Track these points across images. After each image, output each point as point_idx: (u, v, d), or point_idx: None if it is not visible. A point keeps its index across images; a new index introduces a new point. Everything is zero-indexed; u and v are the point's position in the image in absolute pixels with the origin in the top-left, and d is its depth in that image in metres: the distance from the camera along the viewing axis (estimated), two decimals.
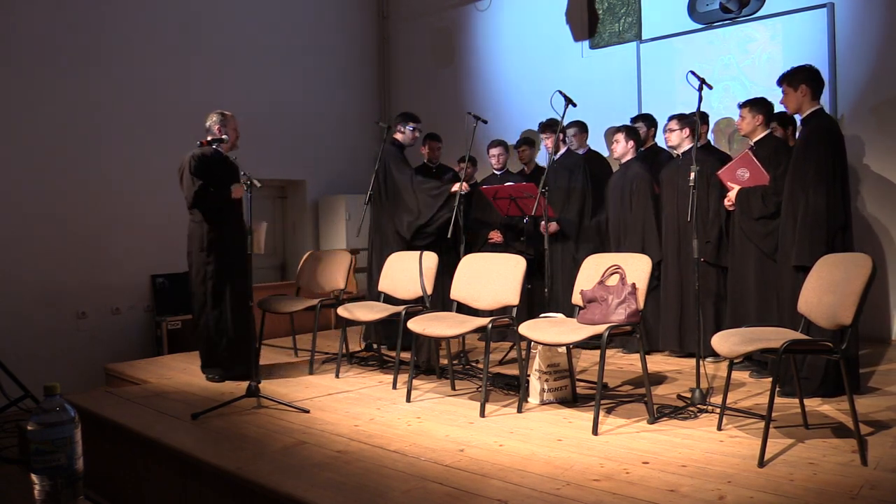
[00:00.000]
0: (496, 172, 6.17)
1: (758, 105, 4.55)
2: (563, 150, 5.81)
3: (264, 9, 7.55)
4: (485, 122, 5.31)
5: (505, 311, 4.06)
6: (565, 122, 5.12)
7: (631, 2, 6.78)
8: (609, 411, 3.73)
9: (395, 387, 4.42)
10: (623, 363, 4.97)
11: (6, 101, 5.77)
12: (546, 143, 5.91)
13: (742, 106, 4.62)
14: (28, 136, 5.86)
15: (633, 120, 5.91)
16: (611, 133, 6.32)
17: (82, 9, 6.25)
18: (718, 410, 3.44)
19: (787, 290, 3.87)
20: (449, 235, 4.88)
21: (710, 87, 4.01)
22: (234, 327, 4.58)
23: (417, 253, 4.81)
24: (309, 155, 5.87)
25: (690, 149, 4.62)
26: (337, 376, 4.81)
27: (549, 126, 5.83)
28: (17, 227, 5.71)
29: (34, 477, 1.61)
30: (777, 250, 4.17)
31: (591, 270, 3.92)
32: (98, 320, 6.18)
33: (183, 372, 4.99)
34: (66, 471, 1.60)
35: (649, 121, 5.78)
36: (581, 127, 5.91)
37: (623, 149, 5.37)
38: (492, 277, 4.22)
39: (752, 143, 4.60)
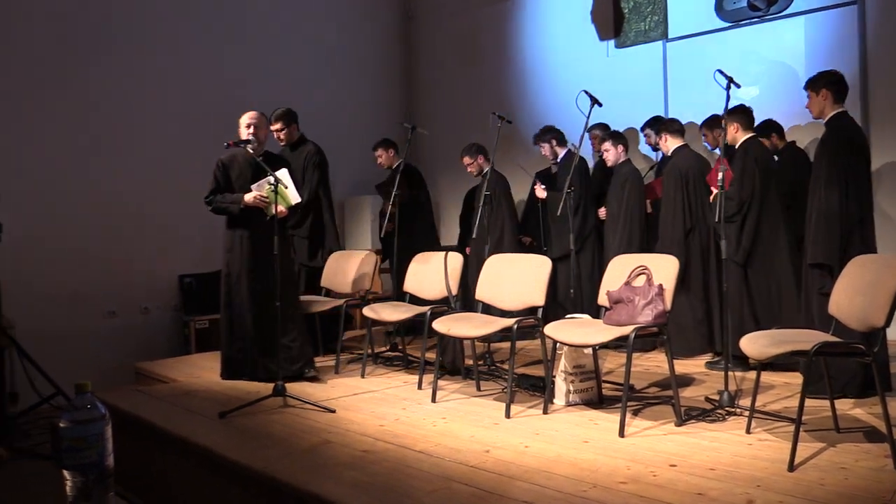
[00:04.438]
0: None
1: (733, 114, 4.58)
2: (562, 152, 5.99)
3: (289, 11, 7.59)
4: (509, 121, 5.30)
5: (530, 311, 4.05)
6: (591, 122, 5.11)
7: (657, 0, 6.72)
8: (636, 413, 3.70)
9: (420, 387, 4.42)
10: (650, 364, 4.93)
11: (35, 101, 5.85)
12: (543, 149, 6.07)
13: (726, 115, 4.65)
14: (58, 135, 5.94)
15: (643, 127, 5.98)
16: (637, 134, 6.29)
17: (112, 6, 6.33)
18: (747, 413, 3.40)
19: (809, 290, 3.88)
20: (474, 236, 4.88)
21: (737, 86, 3.98)
22: (254, 328, 4.60)
23: (443, 253, 4.81)
24: (334, 155, 5.91)
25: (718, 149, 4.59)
26: (362, 376, 4.83)
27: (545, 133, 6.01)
28: (48, 227, 5.80)
29: (66, 473, 1.63)
30: (736, 254, 4.41)
31: (618, 271, 3.89)
32: (127, 319, 6.26)
33: (210, 371, 5.03)
34: (96, 467, 1.62)
35: (657, 124, 5.75)
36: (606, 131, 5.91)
37: (615, 155, 5.54)
38: (517, 278, 4.20)
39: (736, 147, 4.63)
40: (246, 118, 4.62)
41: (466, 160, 5.94)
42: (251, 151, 4.46)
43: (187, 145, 6.51)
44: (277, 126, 5.24)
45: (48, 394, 4.67)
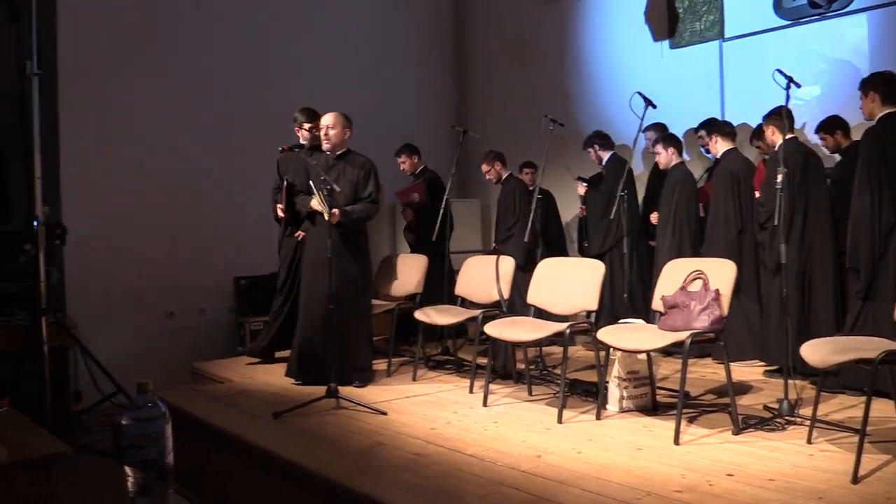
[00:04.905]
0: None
1: (770, 117, 4.59)
2: (606, 156, 5.98)
3: (340, 16, 7.65)
4: (561, 124, 5.27)
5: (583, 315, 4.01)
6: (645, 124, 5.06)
7: None
8: (691, 421, 3.63)
9: (471, 391, 4.42)
10: (705, 371, 4.83)
11: (99, 110, 6.03)
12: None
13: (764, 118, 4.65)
14: (117, 140, 6.10)
15: (697, 128, 5.89)
16: (691, 135, 6.18)
17: (184, 12, 6.51)
18: (808, 423, 3.30)
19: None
20: (525, 239, 4.86)
21: (798, 86, 3.89)
22: (319, 329, 4.63)
23: (494, 257, 4.81)
24: (384, 159, 5.95)
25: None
26: (414, 379, 4.84)
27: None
28: (110, 231, 5.97)
29: (127, 470, 1.67)
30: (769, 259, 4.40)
31: (673, 275, 3.83)
32: (185, 320, 6.41)
33: (264, 372, 5.12)
34: (157, 464, 1.65)
35: (709, 126, 5.65)
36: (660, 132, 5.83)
37: (666, 158, 5.48)
38: (569, 282, 4.17)
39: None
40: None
41: (484, 167, 5.94)
42: (328, 153, 4.64)
43: (239, 150, 6.63)
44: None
45: (109, 392, 4.82)
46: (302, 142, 5.11)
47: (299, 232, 5.00)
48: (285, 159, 5.24)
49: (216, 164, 6.62)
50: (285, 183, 5.03)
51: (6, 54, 5.81)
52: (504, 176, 5.82)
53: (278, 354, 5.31)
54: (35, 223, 4.56)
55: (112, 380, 4.82)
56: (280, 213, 5.09)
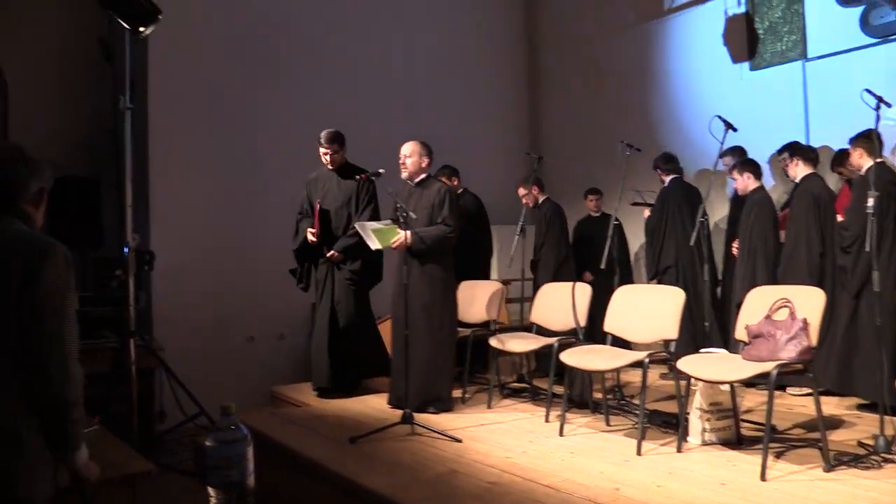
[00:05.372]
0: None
1: (858, 139, 4.48)
2: (668, 179, 5.90)
3: (413, 41, 7.77)
4: (638, 150, 5.19)
5: (662, 345, 3.91)
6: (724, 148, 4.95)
7: (795, 19, 6.41)
8: (778, 456, 3.48)
9: (547, 420, 4.36)
10: (794, 403, 4.63)
11: (183, 138, 6.28)
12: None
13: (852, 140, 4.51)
14: (203, 170, 6.34)
15: (779, 151, 5.69)
16: (775, 159, 6.01)
17: (268, 46, 6.76)
18: None
19: None
20: (603, 266, 4.79)
21: (888, 105, 3.74)
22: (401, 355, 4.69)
23: (570, 284, 4.75)
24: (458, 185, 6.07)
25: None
26: (489, 407, 4.80)
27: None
28: (195, 257, 6.18)
29: (211, 490, 1.71)
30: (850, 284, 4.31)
31: (757, 304, 3.69)
32: (265, 344, 6.55)
33: (340, 396, 5.17)
34: (238, 486, 1.69)
35: (791, 149, 5.47)
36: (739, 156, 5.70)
37: (742, 184, 5.37)
38: (648, 310, 4.08)
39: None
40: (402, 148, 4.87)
41: (521, 191, 6.03)
42: (408, 181, 4.84)
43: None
44: (332, 149, 5.20)
45: (192, 413, 4.95)
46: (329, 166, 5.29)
47: (332, 252, 5.11)
48: (314, 181, 5.35)
49: (298, 192, 6.76)
50: (317, 206, 5.15)
51: (102, 91, 6.18)
52: (541, 200, 6.05)
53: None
54: (125, 249, 4.76)
55: (195, 401, 4.96)
56: (311, 238, 5.14)
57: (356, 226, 4.81)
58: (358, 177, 4.89)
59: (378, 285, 5.41)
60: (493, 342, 4.81)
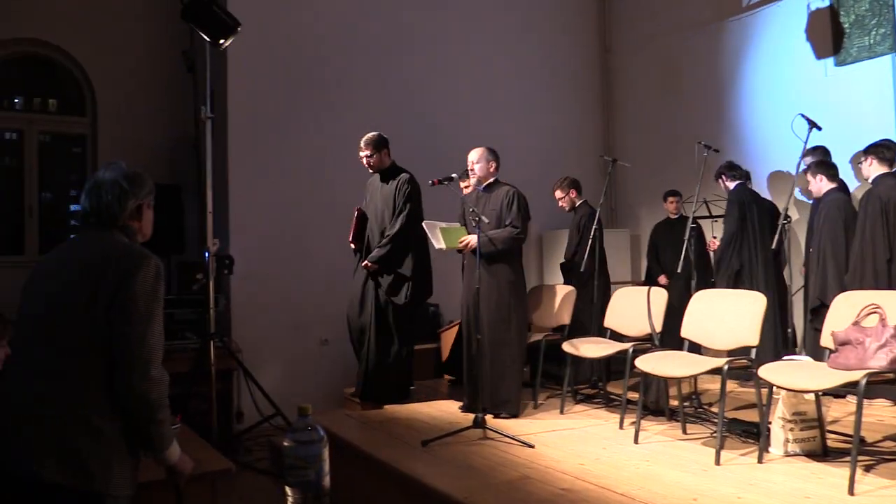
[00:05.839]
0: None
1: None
2: (733, 185, 5.73)
3: (485, 46, 7.76)
4: (716, 150, 5.06)
5: (742, 351, 3.79)
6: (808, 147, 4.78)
7: (884, 11, 6.13)
8: (868, 469, 3.32)
9: (621, 427, 4.28)
10: (884, 415, 4.41)
11: (261, 146, 6.44)
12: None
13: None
14: (281, 177, 6.47)
15: (864, 150, 5.44)
16: (856, 158, 5.76)
17: (344, 57, 6.89)
18: None
19: None
20: (679, 270, 4.69)
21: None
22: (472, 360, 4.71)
23: (645, 288, 4.67)
24: (531, 190, 5.95)
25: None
26: (561, 412, 4.76)
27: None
28: (271, 261, 6.32)
29: (288, 489, 1.75)
30: None
31: (844, 309, 3.54)
32: (339, 347, 6.62)
33: (415, 398, 5.22)
34: (315, 486, 1.72)
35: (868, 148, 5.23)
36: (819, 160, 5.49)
37: (815, 186, 5.21)
38: (728, 315, 3.97)
39: None
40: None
41: (558, 193, 5.94)
42: (476, 186, 4.85)
43: None
44: (367, 152, 5.18)
45: (268, 414, 5.08)
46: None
47: (366, 262, 5.05)
48: (369, 185, 5.36)
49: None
50: (356, 212, 5.20)
51: (185, 102, 6.42)
52: (578, 203, 5.94)
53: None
54: (206, 254, 4.93)
55: (271, 402, 5.08)
56: (351, 245, 5.20)
57: (424, 224, 4.82)
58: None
59: (446, 289, 5.43)
60: (566, 347, 4.77)
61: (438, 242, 4.68)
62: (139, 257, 2.01)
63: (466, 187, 5.69)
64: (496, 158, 4.86)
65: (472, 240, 4.52)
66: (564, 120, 8.27)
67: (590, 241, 5.31)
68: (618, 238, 7.58)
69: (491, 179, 4.86)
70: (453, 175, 4.95)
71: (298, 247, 6.46)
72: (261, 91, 6.46)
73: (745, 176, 5.88)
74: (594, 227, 5.34)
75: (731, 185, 5.74)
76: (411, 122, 7.10)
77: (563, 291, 5.32)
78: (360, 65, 7.01)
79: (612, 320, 4.88)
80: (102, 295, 1.93)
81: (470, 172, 4.86)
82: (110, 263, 1.97)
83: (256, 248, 6.23)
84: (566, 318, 5.18)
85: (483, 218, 4.41)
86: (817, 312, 4.82)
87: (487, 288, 4.58)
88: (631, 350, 4.28)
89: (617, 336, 4.81)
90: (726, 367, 3.60)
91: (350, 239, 5.26)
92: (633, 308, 4.71)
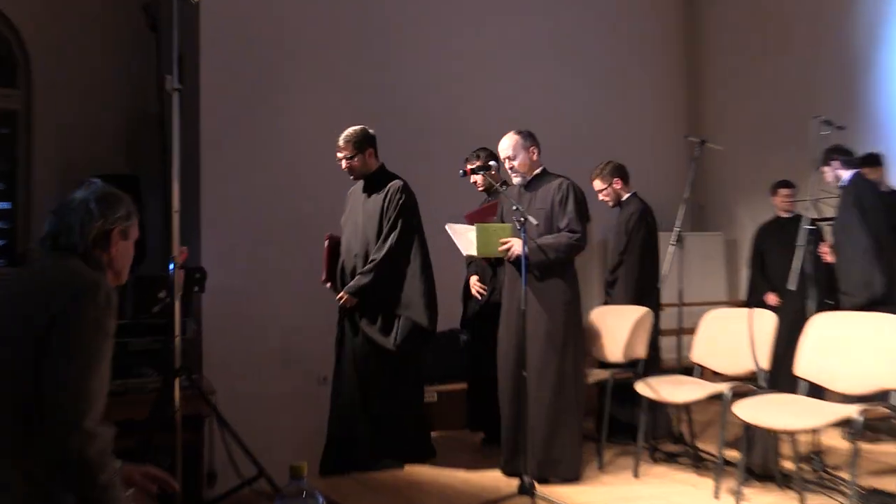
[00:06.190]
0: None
1: None
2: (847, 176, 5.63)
3: (558, 24, 7.79)
4: (840, 127, 4.98)
5: (880, 396, 3.70)
6: None
7: None
8: None
9: (716, 496, 4.22)
10: None
11: (244, 129, 6.43)
12: None
13: None
14: (269, 170, 6.47)
15: None
16: None
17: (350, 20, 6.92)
18: None
19: None
20: (793, 287, 4.58)
21: None
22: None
23: (747, 311, 4.58)
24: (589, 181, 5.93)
25: None
26: (635, 475, 4.72)
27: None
28: (258, 278, 6.31)
29: None
30: None
31: None
32: None
33: (440, 456, 5.14)
34: None
35: None
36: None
37: None
38: (860, 348, 3.85)
39: None
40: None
41: (598, 185, 5.77)
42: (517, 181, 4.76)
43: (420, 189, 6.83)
44: (346, 153, 4.98)
45: (250, 476, 5.00)
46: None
47: (342, 294, 4.91)
48: (350, 197, 5.25)
49: None
50: (327, 240, 5.10)
51: (146, 69, 6.41)
52: (625, 197, 5.77)
53: None
54: (170, 266, 4.88)
55: (253, 460, 4.99)
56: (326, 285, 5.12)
57: (448, 227, 4.71)
58: (462, 172, 4.84)
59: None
60: (641, 388, 4.71)
61: (468, 248, 4.59)
62: (85, 282, 2.08)
63: (475, 184, 5.67)
64: (535, 142, 4.78)
65: (517, 244, 4.43)
66: (635, 90, 8.25)
67: (639, 246, 5.27)
68: (708, 244, 7.50)
69: (537, 170, 4.79)
70: (491, 163, 4.87)
71: (291, 256, 6.42)
72: (241, 55, 6.48)
73: (867, 161, 5.77)
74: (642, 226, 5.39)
75: (845, 174, 5.61)
76: (428, 96, 7.06)
77: (637, 314, 5.22)
78: (365, 20, 6.97)
79: (702, 353, 4.81)
80: (37, 327, 2.00)
81: (510, 172, 4.78)
82: (50, 291, 2.07)
83: (236, 257, 6.22)
84: (641, 350, 5.09)
85: (530, 218, 4.33)
86: None
87: (535, 311, 4.52)
88: (729, 393, 4.21)
89: (706, 373, 4.76)
90: (860, 417, 3.50)
91: (323, 278, 5.15)
92: (731, 337, 4.63)
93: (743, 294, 7.08)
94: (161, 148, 5.78)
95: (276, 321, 6.29)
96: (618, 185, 5.76)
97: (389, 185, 4.95)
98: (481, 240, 4.55)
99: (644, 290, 5.53)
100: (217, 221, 6.27)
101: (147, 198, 6.41)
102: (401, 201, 4.88)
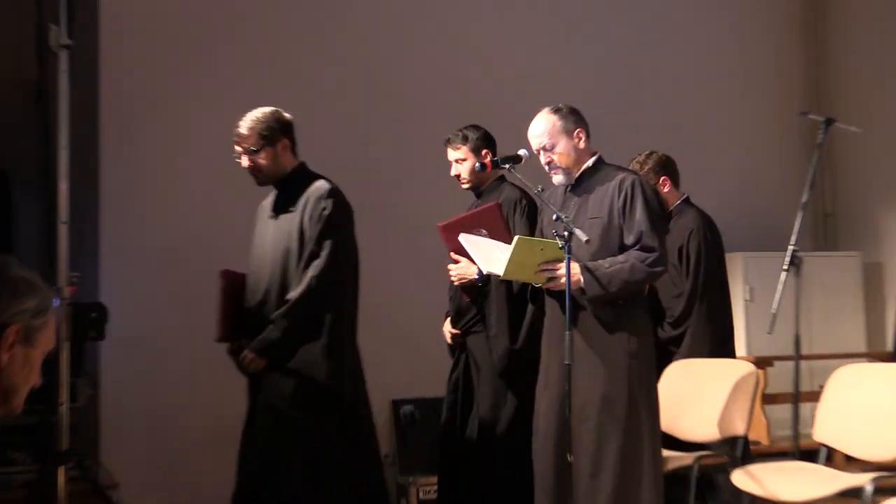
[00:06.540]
0: None
1: None
2: None
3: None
4: None
5: None
6: None
7: None
8: None
9: None
10: None
11: (160, 107, 6.48)
12: None
13: None
14: (191, 161, 6.52)
15: None
16: None
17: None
18: None
19: None
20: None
21: None
22: None
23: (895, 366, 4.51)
24: (697, 172, 5.86)
25: None
26: None
27: None
28: (180, 313, 6.28)
29: None
30: None
31: None
32: None
33: None
34: None
35: None
36: None
37: None
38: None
39: None
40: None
41: None
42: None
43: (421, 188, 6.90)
44: (246, 145, 4.85)
45: None
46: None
47: (247, 352, 4.76)
48: (261, 213, 5.16)
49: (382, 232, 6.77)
50: (222, 280, 5.05)
51: (19, 19, 6.36)
52: (673, 205, 5.82)
53: None
54: (55, 302, 4.80)
55: None
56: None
57: (461, 238, 4.68)
58: (481, 165, 4.80)
59: None
60: (741, 480, 4.63)
61: (489, 264, 4.50)
62: None
63: (457, 177, 5.56)
64: (581, 121, 4.70)
65: (568, 271, 4.32)
66: (738, 58, 8.42)
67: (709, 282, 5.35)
68: (839, 269, 7.46)
69: (589, 162, 4.71)
70: (520, 152, 4.81)
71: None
72: (160, 11, 6.46)
73: None
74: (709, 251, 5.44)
75: None
76: (434, 70, 7.08)
77: (737, 373, 5.19)
78: None
79: (830, 429, 4.77)
80: None
81: (549, 167, 4.68)
82: None
83: (149, 289, 6.20)
84: (741, 426, 5.02)
85: (578, 232, 4.23)
86: None
87: (588, 365, 4.45)
88: (870, 488, 4.15)
89: (837, 457, 4.90)
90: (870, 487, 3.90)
91: (218, 335, 5.07)
92: (873, 405, 4.60)
93: (891, 343, 7.03)
94: (40, 130, 5.75)
95: (208, 378, 6.21)
96: (665, 186, 5.69)
97: (308, 190, 4.79)
98: (517, 258, 4.43)
99: (718, 341, 5.56)
100: (122, 238, 6.23)
101: (19, 201, 6.38)
102: (326, 212, 4.71)
